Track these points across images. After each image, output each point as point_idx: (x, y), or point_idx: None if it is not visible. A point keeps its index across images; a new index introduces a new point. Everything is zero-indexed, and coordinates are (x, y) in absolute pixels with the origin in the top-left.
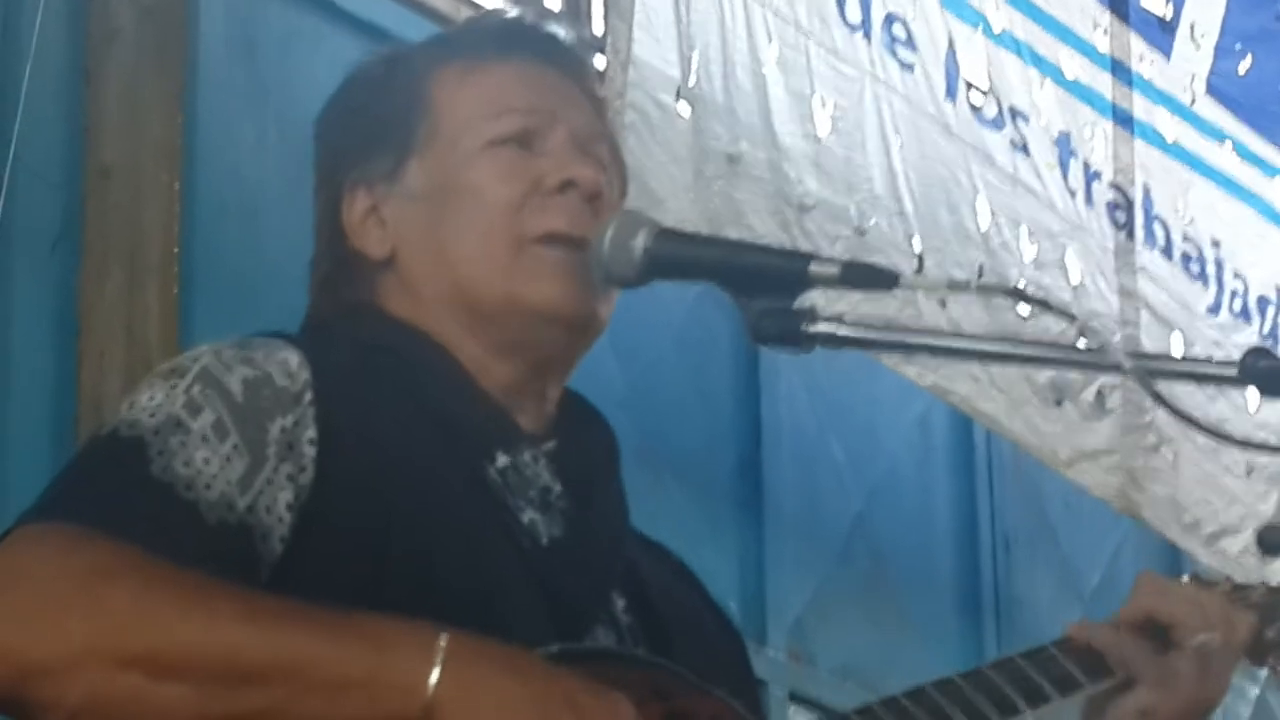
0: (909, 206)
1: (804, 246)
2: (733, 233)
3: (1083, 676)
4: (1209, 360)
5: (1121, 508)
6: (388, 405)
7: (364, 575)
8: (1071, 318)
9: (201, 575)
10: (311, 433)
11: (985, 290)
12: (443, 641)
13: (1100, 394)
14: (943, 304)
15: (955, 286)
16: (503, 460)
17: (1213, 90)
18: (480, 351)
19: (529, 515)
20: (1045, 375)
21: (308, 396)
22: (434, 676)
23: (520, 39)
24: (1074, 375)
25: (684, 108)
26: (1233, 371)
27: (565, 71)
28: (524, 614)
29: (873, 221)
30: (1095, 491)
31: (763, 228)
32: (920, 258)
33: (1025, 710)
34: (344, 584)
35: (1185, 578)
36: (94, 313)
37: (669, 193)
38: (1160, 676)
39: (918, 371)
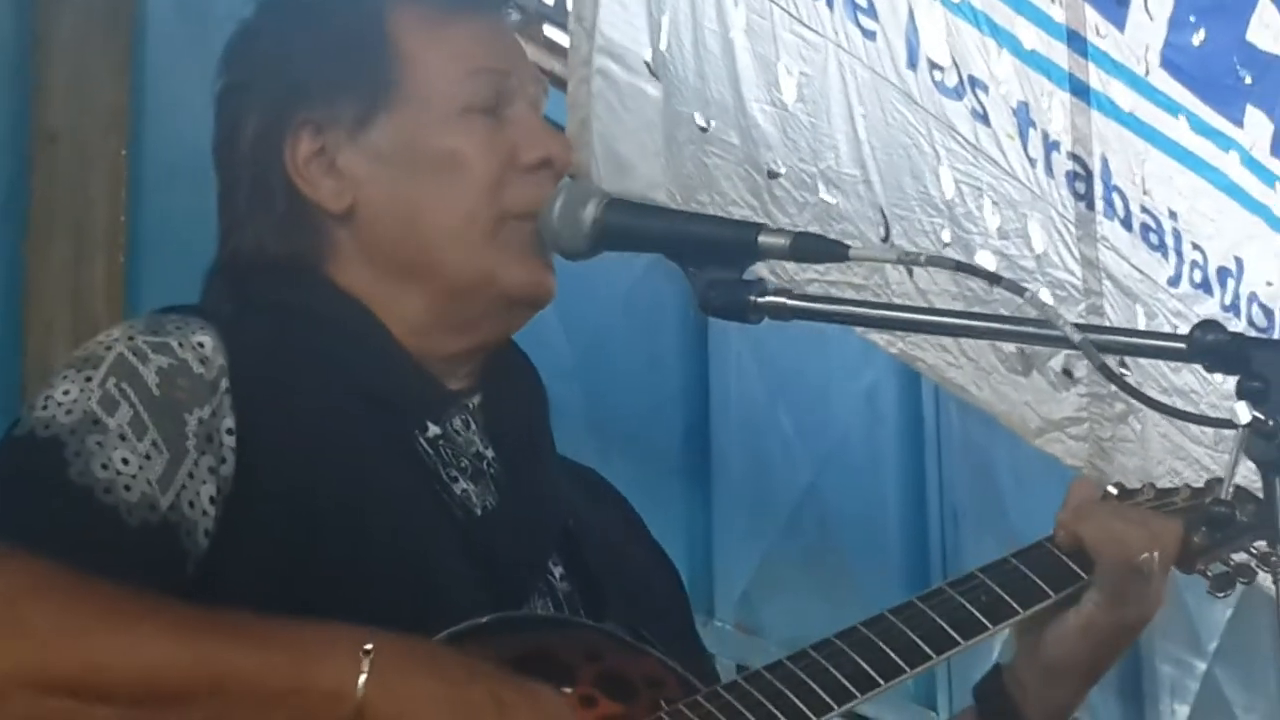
0: (874, 175)
1: (774, 213)
2: (705, 199)
3: (1016, 603)
4: (1158, 333)
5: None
6: (311, 381)
7: (295, 559)
8: (1021, 290)
9: (125, 591)
10: (229, 422)
11: (934, 262)
12: (368, 647)
13: (1068, 363)
14: (909, 272)
15: (904, 258)
16: (433, 430)
17: (1166, 63)
18: (431, 322)
19: (462, 485)
20: (1012, 344)
21: (224, 384)
22: (361, 683)
23: None
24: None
25: (654, 74)
26: (1181, 346)
27: (508, 25)
28: (461, 587)
29: (839, 189)
30: (1066, 461)
31: (735, 194)
32: (887, 225)
33: (961, 642)
34: (275, 571)
35: (1110, 488)
36: (40, 281)
37: (639, 159)
38: (1109, 594)
39: (885, 339)
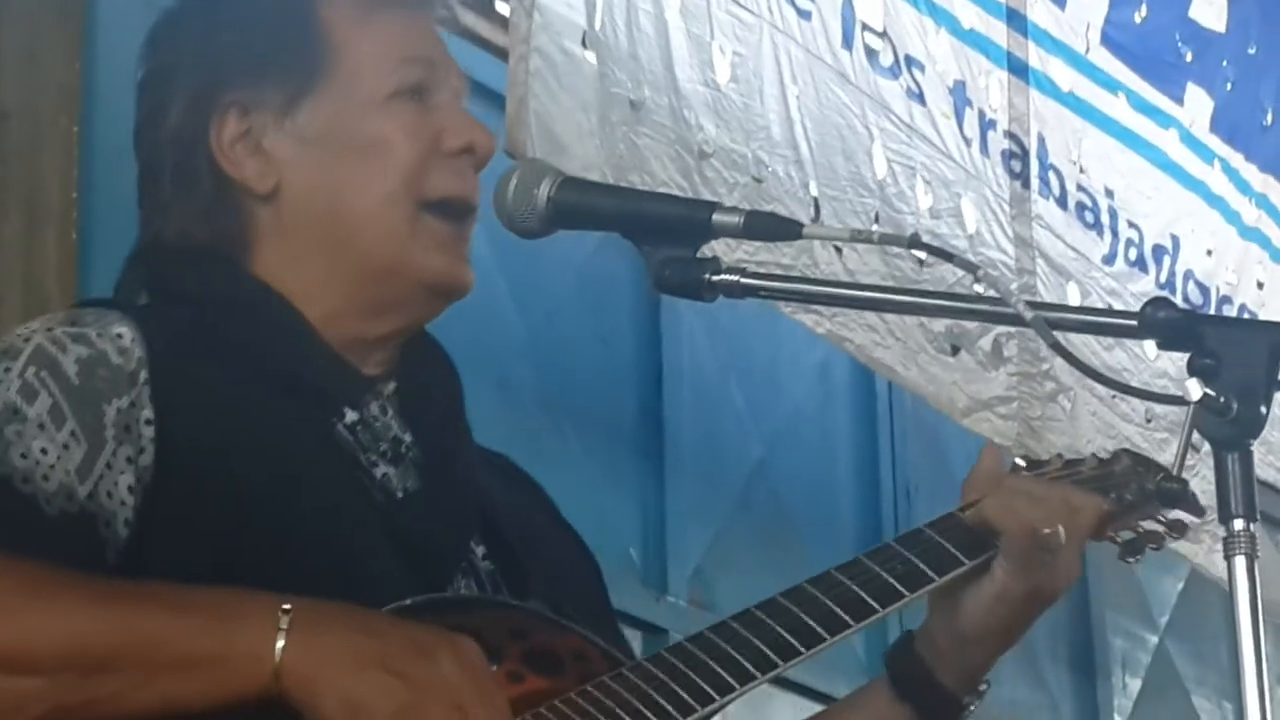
0: (806, 154)
1: (704, 193)
2: (636, 179)
3: (932, 570)
4: (1110, 311)
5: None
6: (228, 372)
7: (218, 549)
8: (975, 268)
9: (44, 566)
10: (148, 413)
11: (888, 240)
12: (285, 607)
13: (997, 342)
14: (839, 251)
15: (858, 236)
16: (351, 416)
17: (1107, 40)
18: (348, 305)
19: (382, 469)
20: (941, 323)
21: (143, 375)
22: (280, 643)
23: None
24: (970, 324)
25: (589, 53)
26: (1133, 323)
27: (434, 21)
28: (384, 570)
29: (770, 169)
30: (995, 440)
31: (664, 174)
32: (817, 205)
33: (879, 609)
34: (198, 560)
35: (1019, 460)
36: None
37: (574, 139)
38: (1016, 563)
39: (814, 319)
